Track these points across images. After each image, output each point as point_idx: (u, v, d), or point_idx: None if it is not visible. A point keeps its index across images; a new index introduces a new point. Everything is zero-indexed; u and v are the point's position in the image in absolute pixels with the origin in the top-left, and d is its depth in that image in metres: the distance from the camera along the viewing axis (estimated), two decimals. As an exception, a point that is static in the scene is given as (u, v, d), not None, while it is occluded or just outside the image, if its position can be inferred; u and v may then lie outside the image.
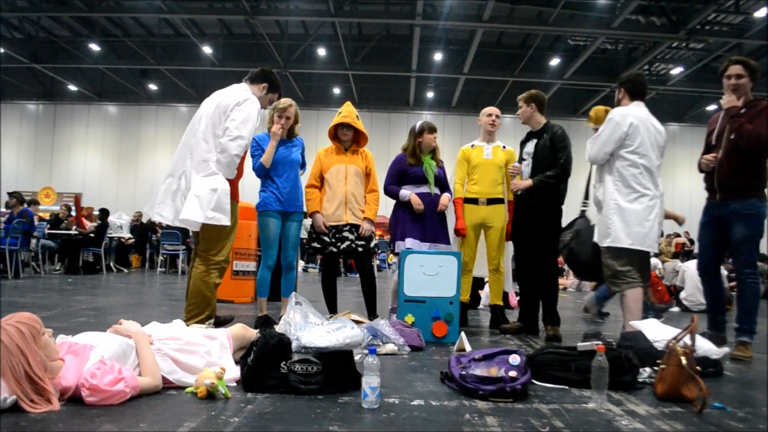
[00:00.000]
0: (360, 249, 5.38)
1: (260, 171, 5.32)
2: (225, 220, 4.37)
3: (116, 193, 27.01)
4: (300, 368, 2.95)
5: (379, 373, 2.73)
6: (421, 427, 2.50)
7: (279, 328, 4.03)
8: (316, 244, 5.45)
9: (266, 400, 2.81)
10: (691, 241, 18.50)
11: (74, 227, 13.43)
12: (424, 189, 5.56)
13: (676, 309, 9.38)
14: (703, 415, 2.80)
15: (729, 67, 4.71)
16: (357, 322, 4.53)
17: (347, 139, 5.55)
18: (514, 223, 5.56)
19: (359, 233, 5.43)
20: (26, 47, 22.61)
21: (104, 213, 14.09)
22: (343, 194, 5.41)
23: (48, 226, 12.97)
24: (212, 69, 22.51)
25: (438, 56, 22.43)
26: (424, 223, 5.48)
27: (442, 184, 5.68)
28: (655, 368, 3.29)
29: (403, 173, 5.61)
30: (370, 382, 2.71)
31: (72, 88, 26.41)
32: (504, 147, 5.94)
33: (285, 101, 5.37)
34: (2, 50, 21.68)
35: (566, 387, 3.30)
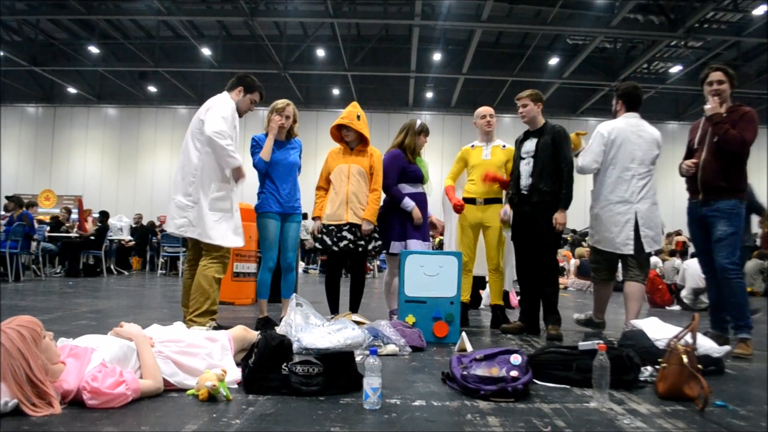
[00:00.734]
0: (359, 249, 5.37)
1: (260, 165, 5.30)
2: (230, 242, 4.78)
3: (116, 196, 27.02)
4: (301, 369, 2.94)
5: (381, 374, 2.73)
6: (422, 428, 2.50)
7: (280, 329, 4.05)
8: (317, 245, 5.48)
9: (268, 401, 2.81)
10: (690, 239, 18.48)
11: (76, 230, 13.43)
12: (420, 188, 5.64)
13: (677, 307, 9.38)
14: (705, 414, 2.80)
15: (710, 74, 4.84)
16: (358, 323, 4.52)
17: (350, 139, 5.54)
18: (515, 223, 5.55)
19: (361, 234, 5.43)
20: (25, 50, 22.61)
21: (104, 215, 14.09)
22: (345, 194, 5.40)
23: (48, 228, 12.96)
24: (211, 71, 22.52)
25: (437, 56, 22.44)
26: (422, 224, 5.56)
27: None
28: (657, 367, 3.28)
29: (402, 171, 5.63)
30: (371, 382, 2.71)
31: (71, 90, 26.41)
32: (504, 146, 5.95)
33: (282, 101, 5.41)
34: (2, 53, 21.69)
35: (568, 386, 3.30)
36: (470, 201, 5.80)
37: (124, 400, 2.61)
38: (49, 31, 23.20)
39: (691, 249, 13.96)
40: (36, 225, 11.63)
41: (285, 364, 2.97)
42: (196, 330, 3.53)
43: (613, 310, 8.80)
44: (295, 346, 3.13)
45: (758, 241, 12.10)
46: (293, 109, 5.43)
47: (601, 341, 3.29)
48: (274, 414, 2.61)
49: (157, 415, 2.55)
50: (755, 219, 8.58)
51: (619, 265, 5.47)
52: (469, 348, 4.06)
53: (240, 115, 5.01)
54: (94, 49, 22.90)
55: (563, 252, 14.89)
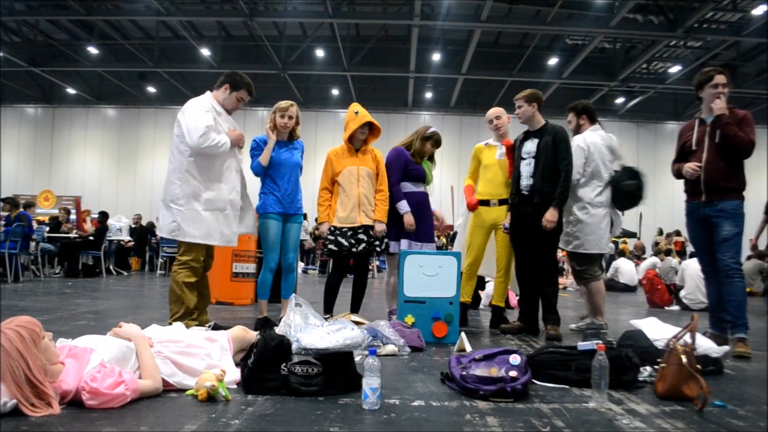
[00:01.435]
0: (378, 249, 5.42)
1: (257, 169, 5.29)
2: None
3: (115, 196, 27.02)
4: (300, 370, 2.94)
5: (380, 374, 2.74)
6: (421, 428, 2.50)
7: (279, 329, 4.05)
8: (333, 247, 5.40)
9: (267, 402, 2.81)
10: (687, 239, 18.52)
11: (75, 230, 13.42)
12: (421, 188, 5.62)
13: (676, 307, 9.39)
14: (703, 414, 2.80)
15: (715, 76, 4.85)
16: (357, 323, 4.53)
17: (364, 137, 5.54)
18: (515, 223, 5.55)
19: (374, 234, 5.44)
20: (25, 51, 22.60)
21: (104, 216, 14.08)
22: (356, 197, 5.39)
23: (48, 229, 12.95)
24: (211, 71, 22.50)
25: (436, 56, 22.43)
26: (420, 224, 5.52)
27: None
28: (656, 367, 3.29)
29: (405, 169, 5.63)
30: (370, 383, 2.71)
31: (70, 91, 26.40)
32: None
33: (286, 102, 5.37)
34: (1, 54, 21.68)
35: (567, 386, 3.30)
36: (484, 203, 5.79)
37: (123, 401, 2.61)
38: (49, 31, 23.19)
39: (690, 249, 13.99)
40: (35, 225, 11.62)
41: (284, 364, 2.98)
42: (195, 330, 3.53)
43: (612, 310, 8.81)
44: (294, 346, 3.14)
45: None
46: (296, 110, 5.39)
47: (600, 341, 3.29)
48: (273, 414, 2.62)
49: (156, 415, 2.55)
50: None
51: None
52: (468, 348, 4.07)
53: (228, 113, 4.98)
54: (93, 50, 22.89)
55: (562, 252, 14.89)
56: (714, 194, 4.78)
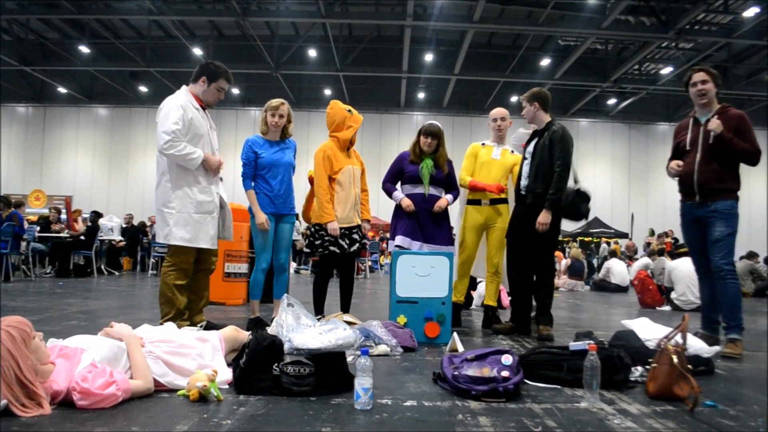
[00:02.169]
0: (366, 248, 5.45)
1: (245, 186, 5.28)
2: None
3: (107, 196, 26.94)
4: (292, 370, 2.94)
5: (372, 374, 2.73)
6: (413, 428, 2.50)
7: (271, 329, 4.04)
8: (335, 249, 5.33)
9: (258, 402, 2.80)
10: (676, 240, 18.62)
11: (66, 230, 13.36)
12: (419, 189, 5.57)
13: (667, 308, 9.42)
14: (694, 414, 2.81)
15: (692, 75, 4.90)
16: (349, 323, 4.52)
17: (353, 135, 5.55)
18: (511, 222, 5.55)
19: (362, 234, 5.47)
20: (16, 50, 22.52)
21: (95, 215, 14.02)
22: (354, 196, 5.40)
23: (38, 229, 12.89)
24: (203, 70, 22.46)
25: (429, 57, 22.48)
26: (416, 223, 5.49)
27: (444, 184, 5.64)
28: (647, 367, 3.30)
29: (400, 172, 5.62)
30: (362, 383, 2.70)
31: (62, 90, 26.32)
32: (513, 152, 5.95)
33: (277, 100, 5.32)
34: (-8, 53, 21.59)
35: (558, 386, 3.30)
36: (475, 202, 5.79)
37: (115, 401, 2.60)
38: (40, 30, 23.12)
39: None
40: (26, 225, 11.57)
41: (276, 364, 2.97)
42: (187, 330, 3.52)
43: (604, 310, 8.84)
44: (286, 346, 3.13)
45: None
46: (287, 108, 5.34)
47: (591, 341, 3.30)
48: (265, 414, 2.61)
49: (147, 415, 2.54)
50: None
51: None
52: (460, 348, 4.07)
53: (209, 106, 4.87)
54: (84, 49, 22.84)
55: (556, 253, 14.94)
56: (707, 195, 4.76)
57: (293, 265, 16.25)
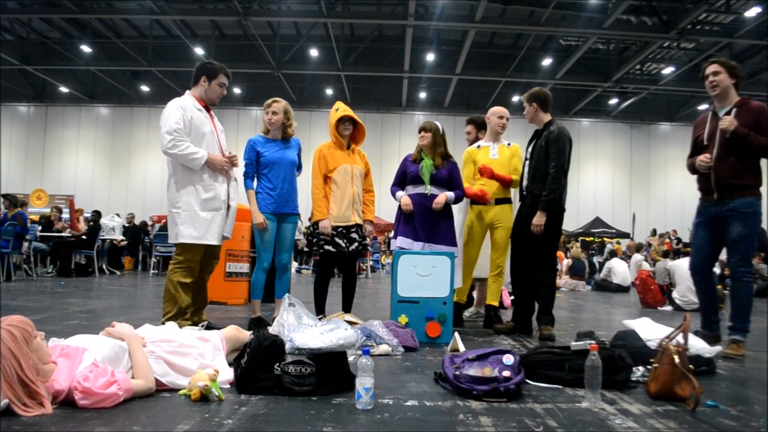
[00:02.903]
0: (367, 249, 5.43)
1: (246, 185, 5.31)
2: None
3: (108, 195, 26.95)
4: (293, 369, 2.94)
5: (373, 374, 2.73)
6: (415, 428, 2.50)
7: (272, 329, 4.03)
8: (330, 248, 5.34)
9: (260, 401, 2.80)
10: (678, 240, 18.62)
11: (67, 230, 13.37)
12: (420, 189, 5.54)
13: (668, 308, 9.41)
14: (696, 414, 2.80)
15: (706, 68, 4.78)
16: (350, 323, 4.52)
17: (348, 133, 5.50)
18: (515, 223, 5.56)
19: (363, 234, 5.45)
20: (17, 49, 22.54)
21: (97, 215, 14.03)
22: (351, 195, 5.38)
23: (40, 228, 12.90)
24: (204, 70, 22.48)
25: (430, 57, 22.47)
26: (417, 223, 5.46)
27: (447, 183, 5.58)
28: (648, 367, 3.29)
29: (404, 173, 5.62)
30: (363, 383, 2.70)
31: (63, 89, 26.34)
32: (509, 144, 5.93)
33: (270, 99, 5.35)
34: (-5, 52, 21.61)
35: (560, 386, 3.30)
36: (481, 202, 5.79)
37: (116, 400, 2.60)
38: (41, 29, 23.13)
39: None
40: (28, 224, 11.58)
41: (277, 364, 2.97)
42: (188, 330, 3.52)
43: (605, 310, 8.84)
44: (287, 346, 3.13)
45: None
46: (283, 106, 5.32)
47: (593, 341, 3.29)
48: (266, 414, 2.61)
49: (148, 415, 2.54)
50: None
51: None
52: (461, 348, 4.06)
53: (214, 104, 4.96)
54: (86, 48, 22.85)
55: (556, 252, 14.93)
56: (725, 192, 4.59)
57: (294, 264, 16.24)
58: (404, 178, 5.62)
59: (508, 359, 3.13)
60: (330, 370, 3.02)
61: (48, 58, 24.20)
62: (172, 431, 2.33)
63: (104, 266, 14.10)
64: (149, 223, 17.34)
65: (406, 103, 26.93)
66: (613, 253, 16.86)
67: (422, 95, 26.58)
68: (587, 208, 25.76)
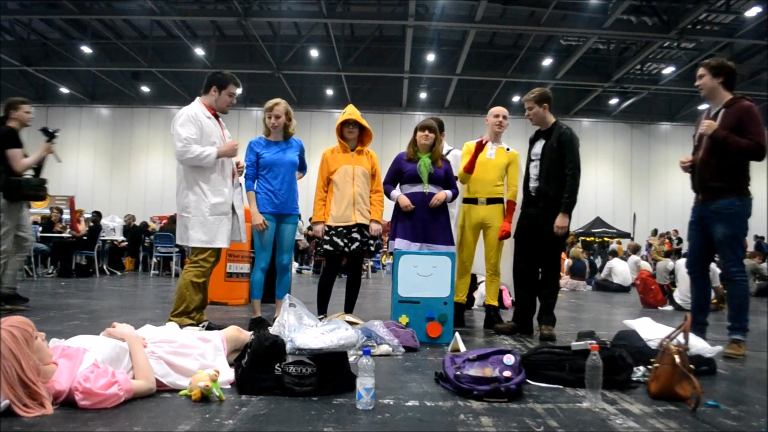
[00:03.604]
0: (372, 249, 5.42)
1: (246, 186, 5.35)
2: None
3: (108, 196, 26.94)
4: (294, 370, 2.94)
5: (374, 374, 2.73)
6: (415, 428, 2.50)
7: (273, 329, 4.04)
8: (328, 247, 5.35)
9: (260, 402, 2.81)
10: (680, 240, 18.62)
11: (69, 230, 13.37)
12: (418, 188, 5.53)
13: (669, 308, 9.41)
14: (696, 414, 2.80)
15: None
16: (351, 323, 4.52)
17: (353, 137, 5.50)
18: (519, 222, 5.56)
19: (369, 233, 5.43)
20: (18, 50, 22.54)
21: (97, 215, 14.02)
22: (351, 195, 5.38)
23: (41, 229, 12.89)
24: (205, 71, 22.44)
25: (430, 57, 22.47)
26: (415, 223, 5.45)
27: (443, 182, 5.58)
28: (649, 367, 3.29)
29: (398, 172, 5.61)
30: (364, 383, 2.71)
31: (64, 90, 26.34)
32: (508, 149, 5.91)
33: (271, 101, 5.39)
34: (-5, 53, 21.62)
35: (560, 386, 3.30)
36: (472, 201, 5.78)
37: (117, 401, 2.60)
38: (42, 30, 23.13)
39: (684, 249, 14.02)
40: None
41: (278, 364, 2.97)
42: (189, 330, 3.52)
43: (606, 310, 8.84)
44: (288, 346, 3.13)
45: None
46: (284, 108, 5.35)
47: (593, 341, 3.30)
48: (267, 414, 2.61)
49: (149, 415, 2.54)
50: None
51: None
52: (462, 348, 4.07)
53: (224, 112, 5.06)
54: (86, 49, 22.84)
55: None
56: (707, 193, 4.68)
57: (295, 265, 16.24)
58: (398, 176, 5.62)
59: (509, 359, 3.13)
60: (331, 371, 3.02)
61: (48, 59, 24.20)
62: (173, 431, 2.33)
63: (105, 267, 14.09)
64: (150, 223, 17.33)
65: (407, 104, 26.92)
66: (614, 253, 16.86)
67: (422, 95, 26.57)
68: (588, 208, 25.73)
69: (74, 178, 27.29)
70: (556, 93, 24.24)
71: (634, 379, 3.44)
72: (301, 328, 3.81)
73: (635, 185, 28.53)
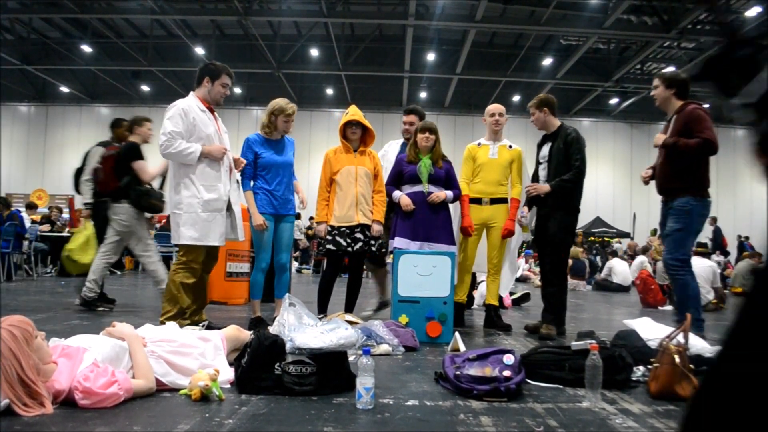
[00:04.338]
0: (374, 249, 5.41)
1: (243, 186, 5.35)
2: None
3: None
4: (294, 369, 2.94)
5: (374, 374, 2.73)
6: (415, 428, 2.50)
7: (273, 329, 4.04)
8: (331, 247, 5.37)
9: (260, 401, 2.81)
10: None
11: (68, 229, 13.35)
12: (418, 188, 5.54)
13: (669, 307, 9.41)
14: (696, 413, 2.80)
15: None
16: (351, 323, 4.52)
17: (356, 138, 5.52)
18: (537, 225, 5.68)
19: (371, 234, 5.44)
20: (18, 49, 22.53)
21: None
22: (354, 195, 5.39)
23: (41, 228, 12.88)
24: (205, 70, 22.49)
25: (431, 56, 22.46)
26: (416, 222, 5.45)
27: (444, 182, 5.59)
28: (649, 367, 3.30)
29: (399, 173, 5.62)
30: (364, 382, 2.71)
31: (64, 89, 26.33)
32: (510, 146, 5.92)
33: (289, 106, 5.35)
34: (-5, 52, 21.61)
35: (560, 386, 3.31)
36: (476, 201, 5.79)
37: (117, 400, 2.60)
38: (42, 29, 23.11)
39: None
40: (27, 224, 11.57)
41: (278, 363, 2.97)
42: (189, 330, 3.52)
43: (606, 310, 8.84)
44: (288, 345, 3.13)
45: None
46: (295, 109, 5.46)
47: (593, 341, 3.30)
48: (267, 414, 2.61)
49: (149, 414, 2.54)
50: None
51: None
52: (462, 348, 4.07)
53: (218, 104, 5.00)
54: (86, 48, 22.84)
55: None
56: (666, 194, 4.93)
57: (294, 264, 16.24)
58: (399, 177, 5.62)
59: (509, 359, 3.13)
60: (330, 370, 3.02)
61: (48, 57, 24.18)
62: (173, 431, 2.33)
63: (105, 266, 14.06)
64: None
65: (407, 103, 26.86)
66: (613, 253, 16.86)
67: (423, 95, 26.55)
68: (588, 207, 25.58)
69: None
70: (556, 93, 24.23)
71: (633, 378, 3.44)
72: (301, 328, 3.80)
73: (635, 185, 28.46)
